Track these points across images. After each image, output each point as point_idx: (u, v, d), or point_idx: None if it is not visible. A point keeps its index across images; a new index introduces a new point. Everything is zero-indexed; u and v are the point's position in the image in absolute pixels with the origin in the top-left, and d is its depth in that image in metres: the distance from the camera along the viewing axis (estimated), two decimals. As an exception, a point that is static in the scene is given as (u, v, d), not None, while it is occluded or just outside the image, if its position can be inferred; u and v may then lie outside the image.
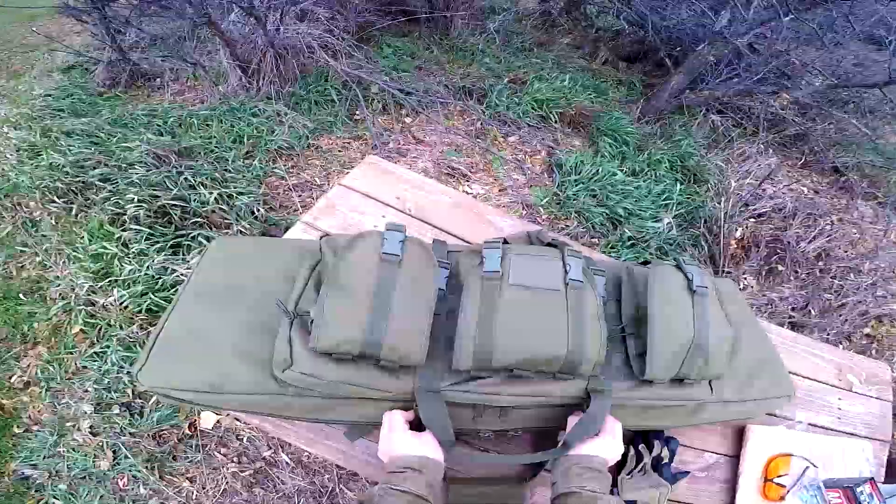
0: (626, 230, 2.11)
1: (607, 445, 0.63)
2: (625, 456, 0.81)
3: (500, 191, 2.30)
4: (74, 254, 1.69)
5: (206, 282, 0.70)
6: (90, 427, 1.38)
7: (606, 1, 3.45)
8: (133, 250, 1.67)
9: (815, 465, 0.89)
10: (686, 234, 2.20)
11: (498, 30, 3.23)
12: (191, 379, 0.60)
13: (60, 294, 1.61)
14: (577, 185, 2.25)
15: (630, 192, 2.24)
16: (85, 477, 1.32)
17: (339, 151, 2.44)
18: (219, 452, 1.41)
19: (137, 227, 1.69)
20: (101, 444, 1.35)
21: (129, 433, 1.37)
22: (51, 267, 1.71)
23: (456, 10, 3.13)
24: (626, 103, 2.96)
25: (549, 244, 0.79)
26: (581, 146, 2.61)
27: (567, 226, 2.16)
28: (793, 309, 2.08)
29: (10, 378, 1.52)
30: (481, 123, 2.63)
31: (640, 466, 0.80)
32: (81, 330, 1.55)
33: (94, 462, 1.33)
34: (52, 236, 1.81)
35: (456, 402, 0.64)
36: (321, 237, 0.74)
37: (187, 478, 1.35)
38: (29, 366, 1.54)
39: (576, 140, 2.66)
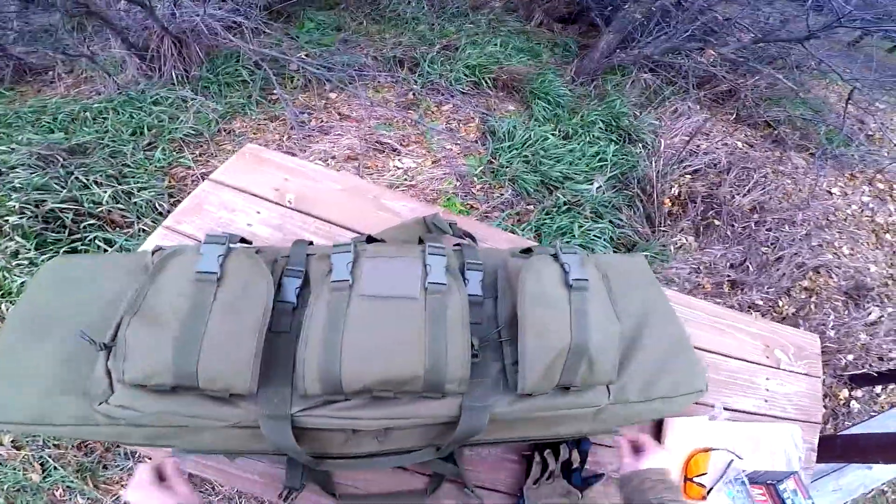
0: (561, 195, 2.08)
1: (661, 457, 0.65)
2: (529, 463, 0.77)
3: (433, 163, 2.20)
4: None
5: (31, 308, 0.64)
6: (12, 441, 1.33)
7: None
8: (23, 261, 1.52)
9: (739, 457, 0.85)
10: (621, 195, 2.19)
11: (429, -5, 3.07)
12: (12, 411, 0.56)
13: None
14: (510, 152, 2.19)
15: (563, 155, 2.20)
16: (19, 489, 1.29)
17: (254, 134, 2.26)
18: (148, 458, 1.31)
19: (21, 241, 1.53)
20: (26, 457, 1.31)
21: (53, 445, 1.33)
22: None
23: (381, -25, 2.94)
24: (560, 65, 2.91)
25: (431, 232, 0.72)
26: (516, 111, 2.54)
27: (501, 194, 2.10)
28: (731, 266, 2.12)
29: None
30: (413, 94, 2.50)
31: (546, 474, 0.74)
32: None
33: (24, 475, 1.29)
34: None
35: (317, 427, 0.57)
36: (153, 251, 0.65)
37: (122, 485, 1.32)
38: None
39: (510, 105, 2.58)
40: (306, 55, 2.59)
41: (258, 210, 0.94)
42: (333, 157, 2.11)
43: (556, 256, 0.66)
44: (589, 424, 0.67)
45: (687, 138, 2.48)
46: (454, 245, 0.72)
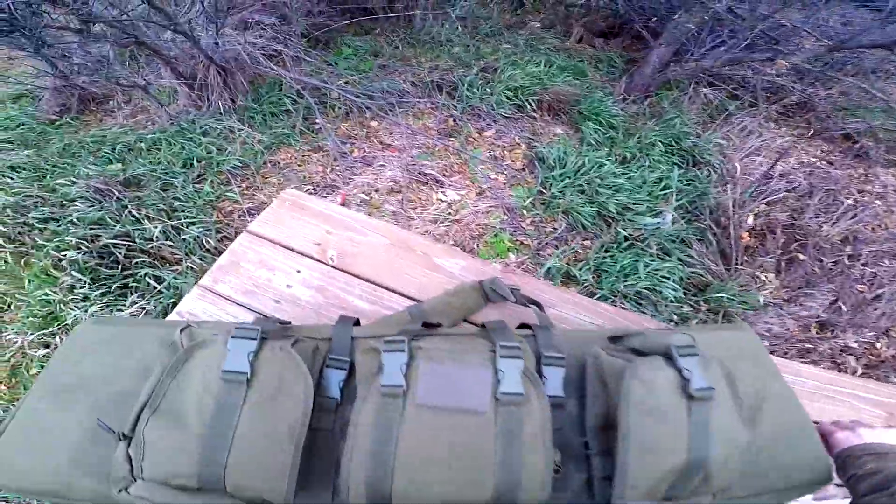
0: (621, 229, 1.87)
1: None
2: None
3: (477, 195, 2.06)
4: (23, 299, 1.60)
5: (61, 372, 0.62)
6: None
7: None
8: (77, 296, 1.55)
9: None
10: (690, 227, 1.96)
11: (463, 16, 2.98)
12: (31, 480, 0.55)
13: (13, 339, 1.52)
14: (562, 181, 2.02)
15: (621, 184, 2.00)
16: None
17: (299, 166, 2.21)
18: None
19: (77, 275, 1.57)
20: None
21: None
22: (6, 310, 1.63)
23: (415, 3, 2.88)
24: (607, 82, 2.72)
25: (482, 326, 0.61)
26: (564, 135, 2.37)
27: (554, 228, 1.93)
28: (822, 307, 1.84)
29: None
30: (454, 120, 2.39)
31: None
32: (37, 371, 1.46)
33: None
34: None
35: None
36: (181, 329, 0.59)
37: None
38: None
39: (557, 128, 2.41)
40: (346, 82, 2.55)
41: (298, 269, 0.83)
42: (377, 191, 2.01)
43: (669, 358, 0.53)
44: None
45: (762, 157, 2.23)
46: (525, 329, 0.63)
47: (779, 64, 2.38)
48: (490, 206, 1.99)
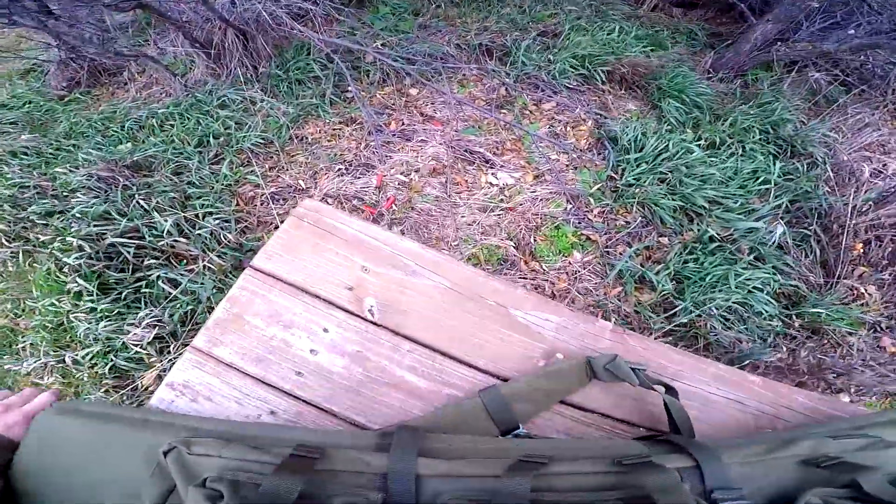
0: (707, 227, 1.55)
1: None
2: None
3: (534, 178, 1.76)
4: (33, 305, 1.41)
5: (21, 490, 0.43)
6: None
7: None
8: (85, 304, 1.34)
9: None
10: (790, 230, 1.62)
11: (521, -27, 2.60)
12: None
13: (29, 349, 1.36)
14: (638, 167, 1.69)
15: (711, 175, 1.66)
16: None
17: (329, 141, 1.94)
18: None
19: (83, 283, 1.35)
20: None
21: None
22: (21, 315, 1.47)
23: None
24: (690, 56, 2.33)
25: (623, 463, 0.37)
26: (638, 111, 2.02)
27: (627, 222, 1.62)
28: None
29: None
30: (506, 89, 2.06)
31: None
32: (59, 387, 1.30)
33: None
34: (10, 286, 1.52)
35: None
36: (164, 452, 0.38)
37: None
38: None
39: (630, 104, 2.06)
40: (383, 44, 2.23)
41: (325, 326, 0.55)
42: (417, 171, 1.74)
43: None
44: None
45: (873, 156, 1.84)
46: (674, 444, 0.42)
47: None
48: (550, 193, 1.68)
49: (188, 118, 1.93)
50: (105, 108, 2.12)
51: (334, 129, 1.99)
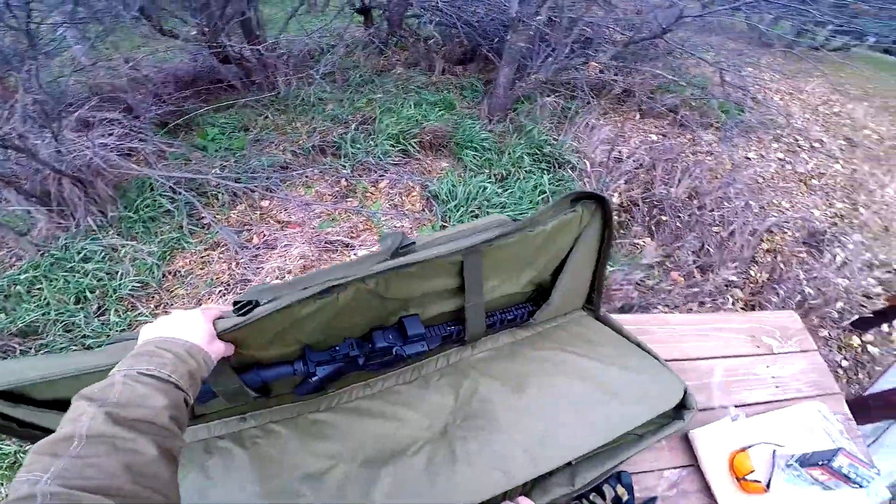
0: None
1: None
2: None
3: (388, 246, 2.18)
4: None
5: None
6: None
7: (419, 11, 3.49)
8: None
9: (780, 445, 0.89)
10: (569, 220, 2.31)
11: (330, 71, 3.07)
12: None
13: None
14: (457, 211, 2.24)
15: (505, 201, 2.29)
16: None
17: (201, 269, 2.11)
18: None
19: None
20: None
21: None
22: None
23: (275, 67, 2.89)
24: (474, 107, 3.04)
25: None
26: (450, 167, 2.61)
27: (464, 257, 2.13)
28: (693, 253, 2.26)
29: None
30: (345, 180, 2.47)
31: None
32: None
33: None
34: None
35: None
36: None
37: None
38: None
39: (443, 162, 2.65)
40: (222, 167, 2.47)
41: None
42: (289, 272, 2.02)
43: None
44: None
45: (606, 147, 2.70)
46: None
47: (591, 66, 2.89)
48: (403, 254, 2.12)
49: (55, 279, 1.91)
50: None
51: (202, 257, 2.16)
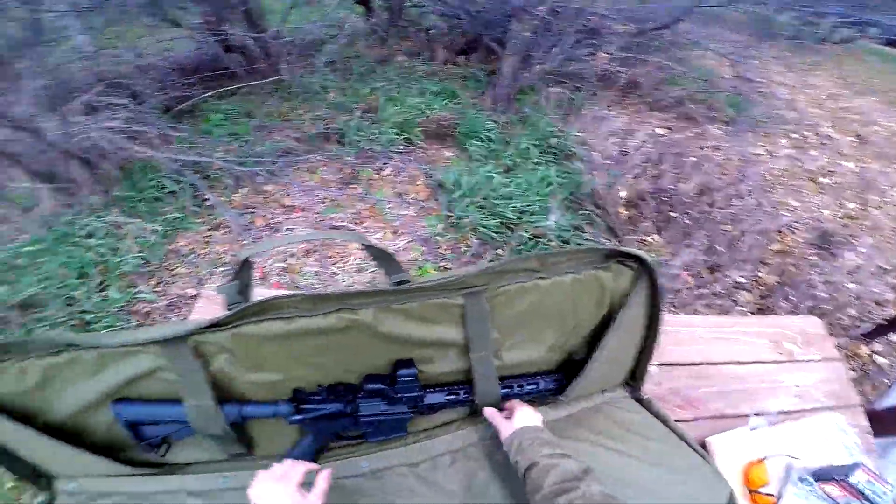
0: (524, 232, 2.13)
1: (527, 414, 0.71)
2: None
3: (393, 234, 2.17)
4: None
5: None
6: None
7: (420, 0, 3.44)
8: None
9: (795, 458, 0.86)
10: (577, 215, 2.28)
11: (332, 60, 3.04)
12: None
13: None
14: (463, 201, 2.21)
15: (512, 192, 2.26)
16: None
17: (203, 249, 2.09)
18: None
19: None
20: None
21: None
22: None
23: (278, 55, 2.87)
24: (477, 97, 3.01)
25: None
26: (455, 156, 2.59)
27: (469, 246, 2.11)
28: (703, 252, 2.19)
29: None
30: (350, 167, 2.45)
31: None
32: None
33: None
34: None
35: None
36: None
37: None
38: None
39: (447, 152, 2.62)
40: (226, 151, 2.45)
41: None
42: (293, 255, 2.01)
43: None
44: None
45: (615, 139, 2.66)
46: None
47: (599, 56, 2.85)
48: (408, 242, 2.10)
49: (59, 253, 1.91)
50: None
51: (205, 237, 2.15)
